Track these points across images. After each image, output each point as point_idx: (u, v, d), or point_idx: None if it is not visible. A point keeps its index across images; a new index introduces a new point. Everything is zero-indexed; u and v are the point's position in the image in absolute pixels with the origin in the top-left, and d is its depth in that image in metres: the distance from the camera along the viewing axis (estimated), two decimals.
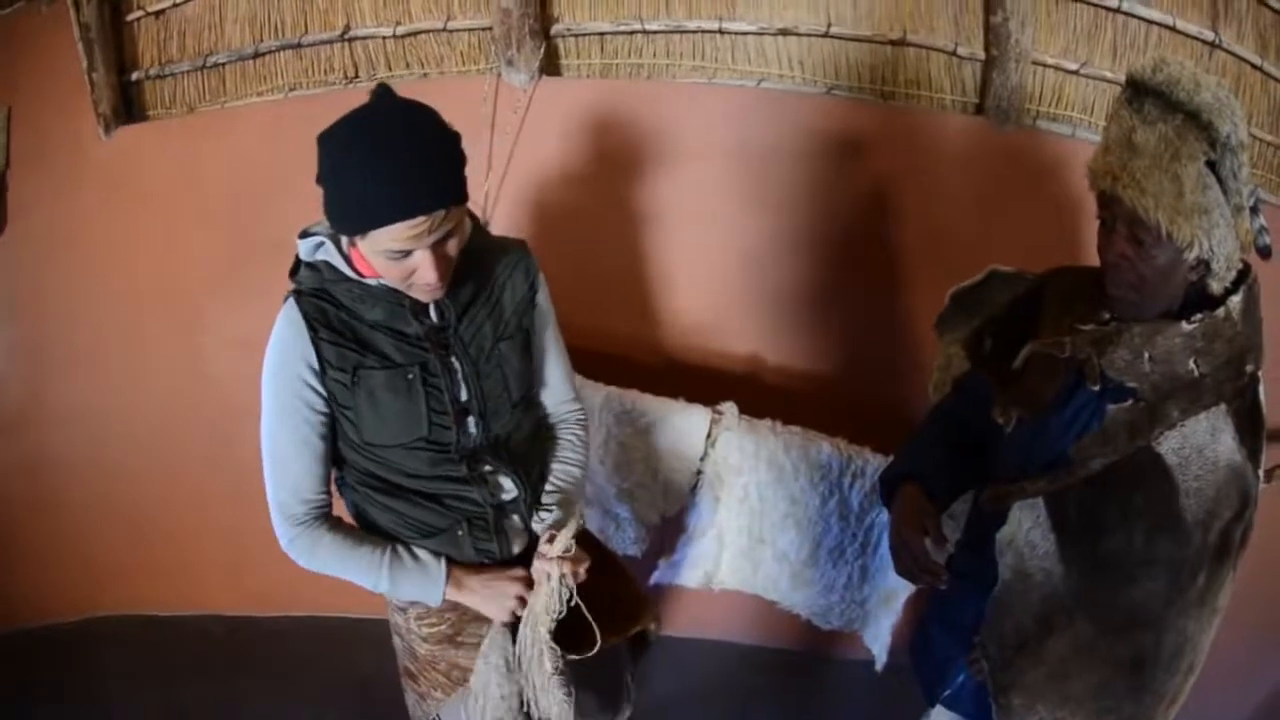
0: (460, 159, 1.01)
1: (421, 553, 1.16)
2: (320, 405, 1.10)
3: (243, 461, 2.25)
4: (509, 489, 1.20)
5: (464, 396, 1.13)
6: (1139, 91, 0.95)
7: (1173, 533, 0.99)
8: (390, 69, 2.01)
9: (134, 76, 2.19)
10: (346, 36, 2.00)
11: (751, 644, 2.20)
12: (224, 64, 2.12)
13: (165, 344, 2.22)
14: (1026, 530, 1.08)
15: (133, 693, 2.13)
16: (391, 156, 0.95)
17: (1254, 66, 1.84)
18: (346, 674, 2.15)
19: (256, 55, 2.08)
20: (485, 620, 1.21)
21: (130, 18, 2.16)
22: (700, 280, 1.97)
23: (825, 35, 1.88)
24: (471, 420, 1.14)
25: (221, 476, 2.28)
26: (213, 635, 2.32)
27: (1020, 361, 1.12)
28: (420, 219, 0.96)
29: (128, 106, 2.21)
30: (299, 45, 2.04)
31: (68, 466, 2.32)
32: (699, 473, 1.72)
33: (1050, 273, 1.22)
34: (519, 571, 1.19)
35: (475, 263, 1.11)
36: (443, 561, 1.16)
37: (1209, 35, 1.80)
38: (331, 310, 1.07)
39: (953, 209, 1.88)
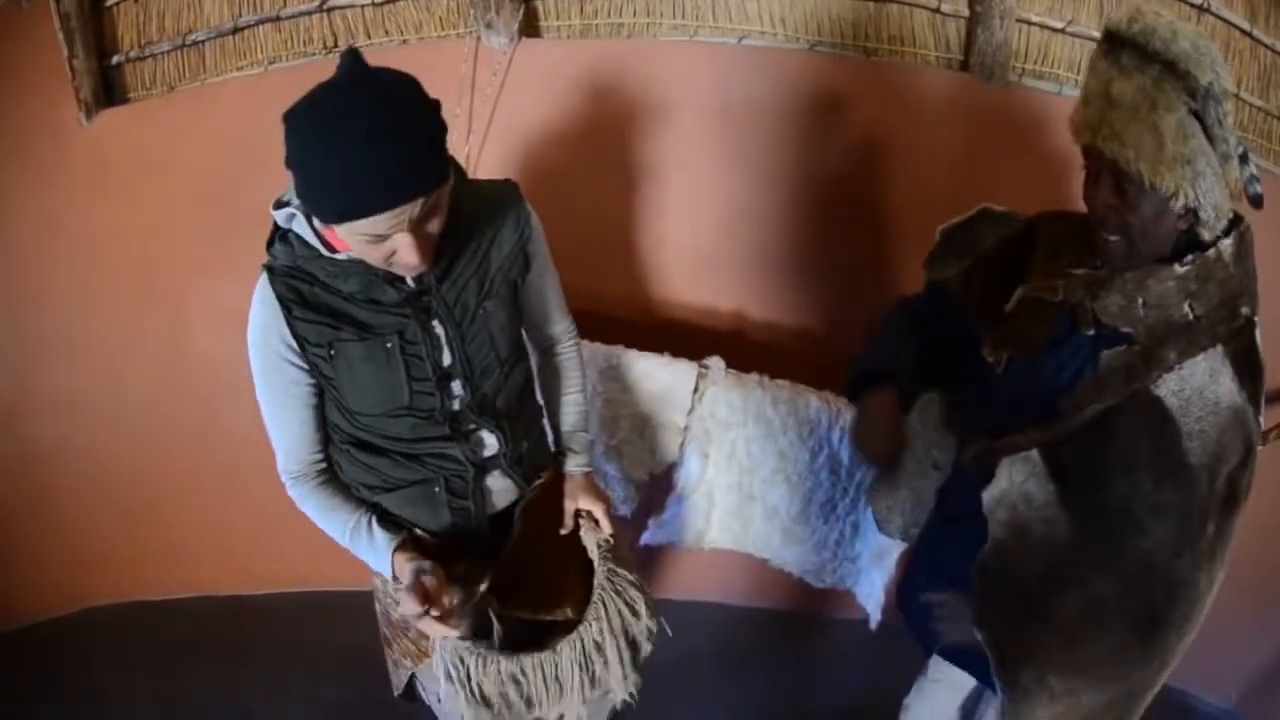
0: (440, 132, 0.95)
1: (379, 532, 1.16)
2: (304, 378, 1.09)
3: (232, 439, 2.26)
4: (491, 445, 1.20)
5: (447, 361, 1.11)
6: (1115, 43, 0.94)
7: (1179, 478, 0.97)
8: (369, 37, 2.00)
9: (114, 60, 2.18)
10: (325, 7, 1.98)
11: (744, 605, 2.20)
12: (203, 41, 2.10)
13: (152, 324, 2.21)
14: (1020, 484, 1.05)
15: (129, 680, 2.12)
16: (365, 144, 0.87)
17: (1243, 32, 1.82)
18: (340, 648, 2.13)
19: (236, 30, 2.07)
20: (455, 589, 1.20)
21: (109, 2, 2.15)
22: (684, 237, 1.96)
23: None
24: (456, 384, 1.13)
25: (210, 455, 2.27)
26: (206, 616, 2.32)
27: (1013, 305, 1.12)
28: (400, 209, 0.91)
29: (108, 90, 2.19)
30: (278, 18, 2.02)
31: (57, 455, 2.30)
32: (686, 428, 1.70)
33: (1041, 216, 1.21)
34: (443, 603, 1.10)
35: (458, 219, 1.05)
36: (391, 547, 1.15)
37: None
38: (305, 287, 1.04)
39: (937, 165, 1.87)
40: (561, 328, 1.33)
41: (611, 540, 1.30)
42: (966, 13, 1.86)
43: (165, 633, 2.28)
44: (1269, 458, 1.75)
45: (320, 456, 1.17)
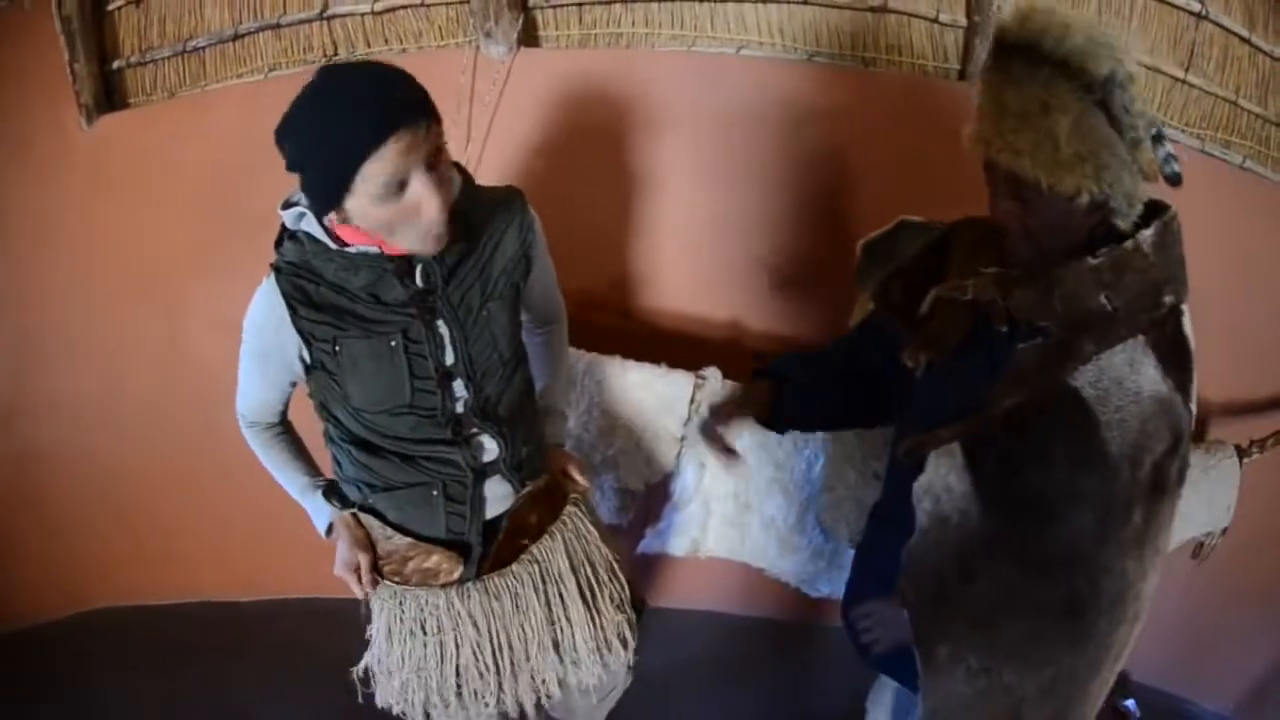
0: (420, 85, 0.99)
1: (322, 504, 1.25)
2: (294, 372, 1.15)
3: (230, 442, 2.23)
4: (491, 450, 1.21)
5: (450, 360, 1.13)
6: (1004, 50, 0.93)
7: (1097, 467, 0.97)
8: (369, 46, 2.01)
9: (115, 65, 2.19)
10: (325, 15, 1.99)
11: (740, 614, 2.20)
12: (204, 48, 2.11)
13: (151, 327, 2.22)
14: (944, 475, 1.05)
15: (126, 683, 2.11)
16: (357, 91, 0.94)
17: (1242, 39, 1.82)
18: (337, 655, 2.10)
19: (236, 37, 2.08)
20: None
21: (111, 7, 2.16)
22: (682, 246, 1.97)
23: (805, 2, 1.87)
24: (458, 384, 1.15)
25: (208, 460, 2.27)
26: (203, 621, 2.32)
27: (926, 307, 1.11)
28: (404, 134, 0.93)
29: (109, 95, 2.20)
30: (278, 25, 2.03)
31: (55, 457, 2.31)
32: (683, 439, 1.71)
33: (958, 222, 1.21)
34: (366, 572, 1.25)
35: (463, 223, 1.09)
36: (325, 521, 1.26)
37: (1195, 6, 1.78)
38: (311, 286, 1.07)
39: (934, 175, 1.86)
40: (557, 314, 1.40)
41: (582, 493, 1.36)
42: (964, 22, 1.86)
43: (162, 637, 2.28)
44: (1264, 466, 1.77)
45: (277, 419, 1.26)
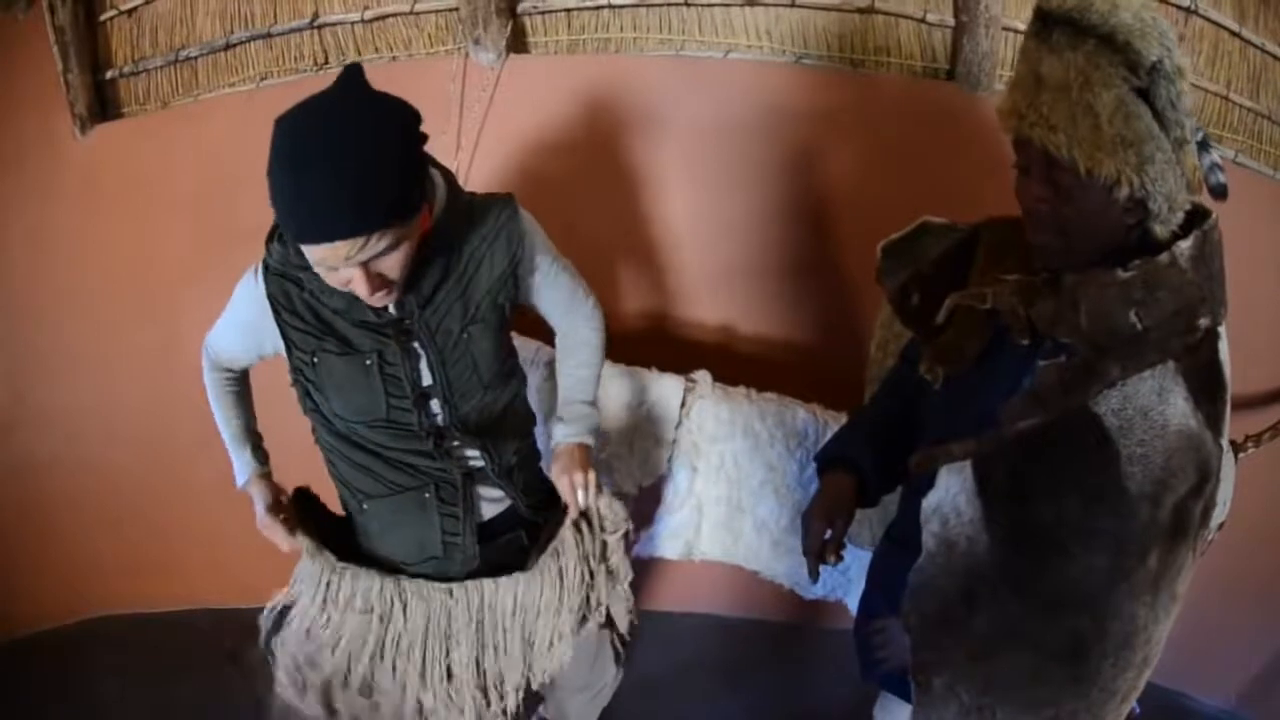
0: (401, 174, 0.94)
1: (248, 458, 1.28)
2: (266, 350, 1.15)
3: (226, 453, 2.26)
4: (476, 458, 1.20)
5: (426, 382, 1.11)
6: (1047, 21, 0.85)
7: (1114, 504, 0.88)
8: (360, 53, 2.02)
9: (108, 75, 2.20)
10: (316, 24, 2.01)
11: (735, 616, 2.20)
12: (196, 57, 2.12)
13: (145, 338, 2.22)
14: (953, 495, 0.97)
15: (125, 692, 2.11)
16: (310, 172, 0.88)
17: (1232, 33, 1.83)
18: None
19: (228, 47, 2.09)
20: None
21: (104, 17, 2.17)
22: (672, 250, 1.97)
23: (792, 5, 1.88)
24: (435, 403, 1.13)
25: (203, 468, 2.27)
26: (202, 629, 2.31)
27: (943, 316, 1.02)
28: (323, 246, 0.91)
29: (102, 105, 2.21)
30: (269, 35, 2.04)
31: (53, 467, 2.31)
32: (674, 442, 1.71)
33: (984, 223, 1.12)
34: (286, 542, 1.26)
35: (445, 240, 1.05)
36: (245, 475, 1.29)
37: (1185, 1, 1.79)
38: (295, 291, 1.06)
39: (924, 176, 1.87)
40: (581, 314, 1.31)
41: (587, 511, 1.28)
42: (952, 22, 1.87)
43: (161, 645, 2.28)
44: (1263, 460, 1.77)
45: (237, 370, 1.27)
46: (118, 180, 2.16)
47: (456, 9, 1.91)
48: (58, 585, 2.37)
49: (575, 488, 1.23)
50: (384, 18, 1.98)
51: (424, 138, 1.00)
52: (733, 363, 1.89)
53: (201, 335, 2.16)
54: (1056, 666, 0.93)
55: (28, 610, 2.36)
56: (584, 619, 1.28)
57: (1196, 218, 0.90)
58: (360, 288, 0.96)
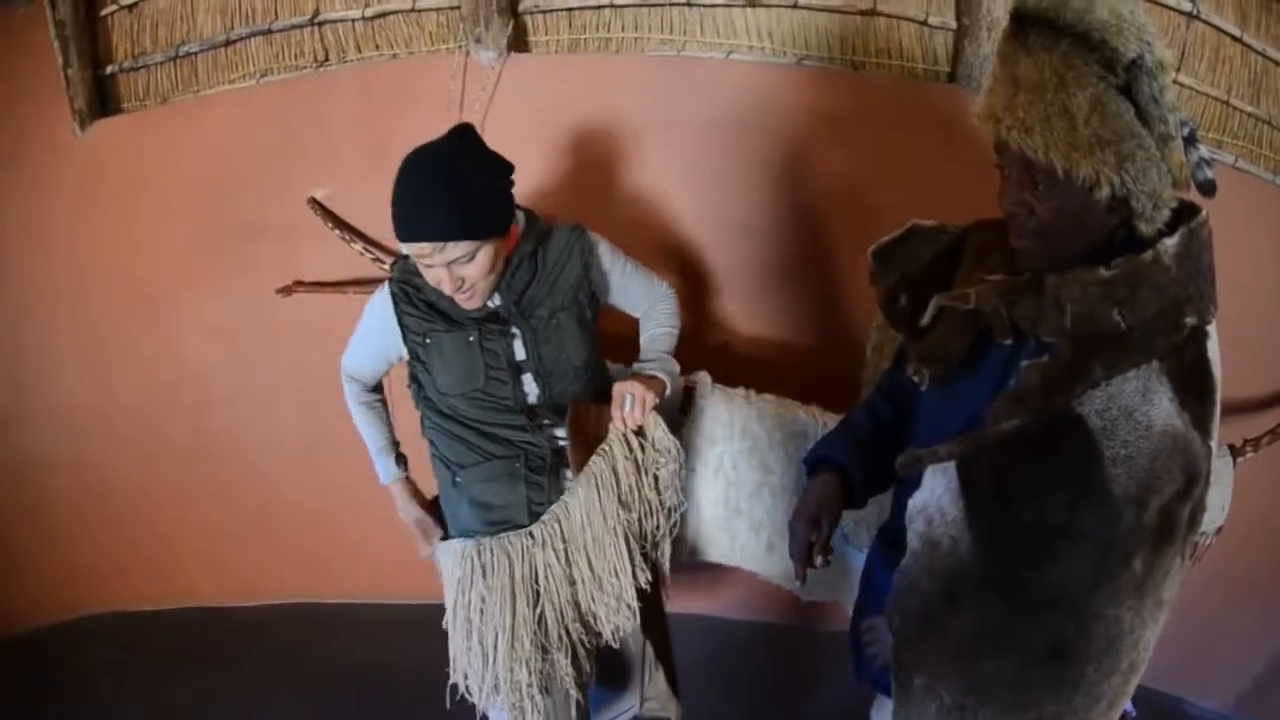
0: (475, 204, 1.18)
1: (391, 465, 1.50)
2: (392, 355, 1.37)
3: (221, 450, 2.27)
4: (564, 439, 1.35)
5: (520, 356, 1.31)
6: (1023, 22, 0.85)
7: (1098, 506, 0.87)
8: (360, 51, 2.00)
9: (108, 70, 2.20)
10: (316, 20, 2.00)
11: (732, 618, 2.20)
12: (196, 53, 2.12)
13: (143, 336, 2.22)
14: (938, 496, 0.96)
15: (120, 689, 2.12)
16: (411, 186, 1.18)
17: (1234, 38, 1.83)
18: (331, 660, 2.14)
19: (228, 43, 2.09)
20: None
21: (104, 12, 2.17)
22: (671, 250, 1.97)
23: (794, 6, 1.88)
24: (528, 378, 1.32)
25: (200, 467, 2.28)
26: (197, 627, 2.32)
27: (928, 317, 1.02)
28: (423, 244, 1.17)
29: (102, 100, 2.21)
30: (269, 31, 2.04)
31: (50, 465, 2.32)
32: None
33: (972, 225, 1.12)
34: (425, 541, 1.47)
35: (532, 254, 1.32)
36: (390, 477, 1.50)
37: (1187, 6, 1.79)
38: (414, 292, 1.31)
39: (925, 178, 1.87)
40: (658, 294, 1.50)
41: (639, 429, 1.36)
42: (954, 25, 1.87)
43: (157, 643, 2.29)
44: (1262, 464, 1.77)
45: (372, 383, 1.47)
46: (117, 176, 2.17)
47: (458, 7, 1.91)
48: (54, 582, 2.38)
49: (626, 394, 1.33)
50: (385, 15, 1.97)
51: (510, 184, 1.27)
52: (732, 363, 1.90)
53: (199, 332, 2.19)
54: (1038, 669, 0.92)
55: (25, 607, 2.36)
56: (645, 555, 1.39)
57: (1184, 214, 0.89)
58: (446, 285, 1.21)
